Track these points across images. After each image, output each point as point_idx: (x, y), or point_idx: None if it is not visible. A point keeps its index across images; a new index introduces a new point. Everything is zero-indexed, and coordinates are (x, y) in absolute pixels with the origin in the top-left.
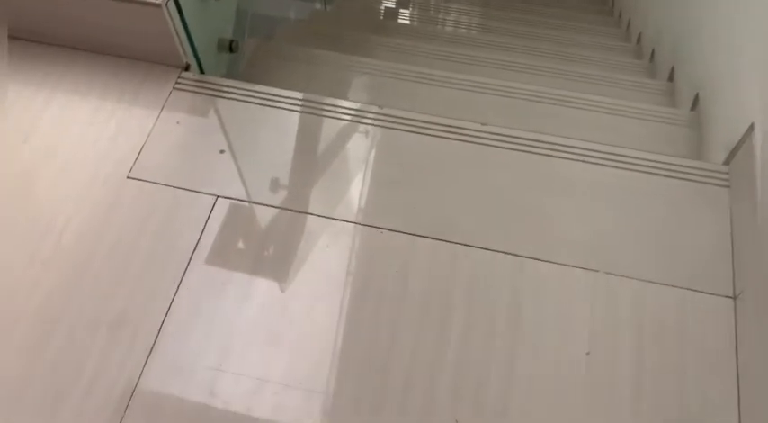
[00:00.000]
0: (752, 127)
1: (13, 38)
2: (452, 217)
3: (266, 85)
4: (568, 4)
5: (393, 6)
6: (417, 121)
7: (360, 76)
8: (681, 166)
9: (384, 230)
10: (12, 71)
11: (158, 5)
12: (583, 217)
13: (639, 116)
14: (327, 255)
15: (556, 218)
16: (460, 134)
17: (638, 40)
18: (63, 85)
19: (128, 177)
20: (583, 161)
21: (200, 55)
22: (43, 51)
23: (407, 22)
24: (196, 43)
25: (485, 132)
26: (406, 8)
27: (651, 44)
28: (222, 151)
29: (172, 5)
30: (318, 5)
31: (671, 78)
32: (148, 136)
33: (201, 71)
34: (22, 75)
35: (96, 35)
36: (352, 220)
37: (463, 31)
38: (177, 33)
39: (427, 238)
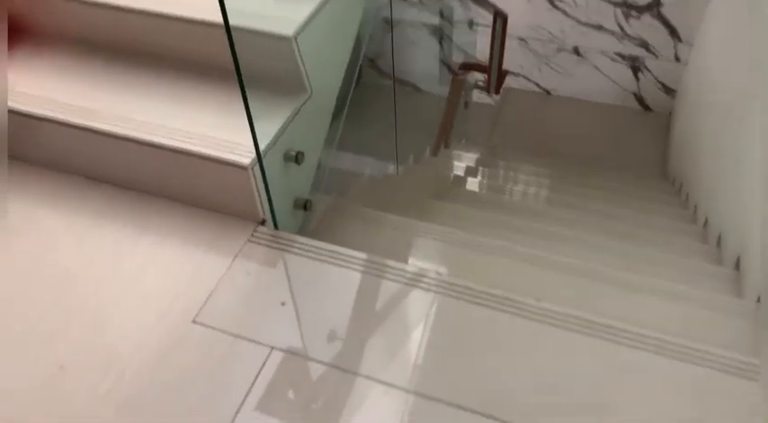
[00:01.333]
0: None
1: (107, 182)
2: (504, 396)
3: (333, 242)
4: (635, 182)
5: (462, 174)
6: (474, 290)
7: (422, 239)
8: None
9: (432, 400)
10: (104, 213)
11: (245, 168)
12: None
13: (706, 305)
14: (374, 416)
15: (620, 415)
16: (516, 308)
17: (705, 223)
18: (151, 228)
19: (193, 321)
20: (652, 351)
21: (276, 213)
22: (135, 197)
23: (475, 189)
24: (274, 202)
25: (540, 308)
26: (475, 176)
27: (717, 229)
28: (283, 303)
29: (257, 168)
30: (391, 168)
31: (737, 267)
32: (218, 284)
33: (276, 227)
34: (115, 217)
35: (183, 187)
36: (402, 386)
37: (528, 202)
38: (258, 193)
39: (476, 413)
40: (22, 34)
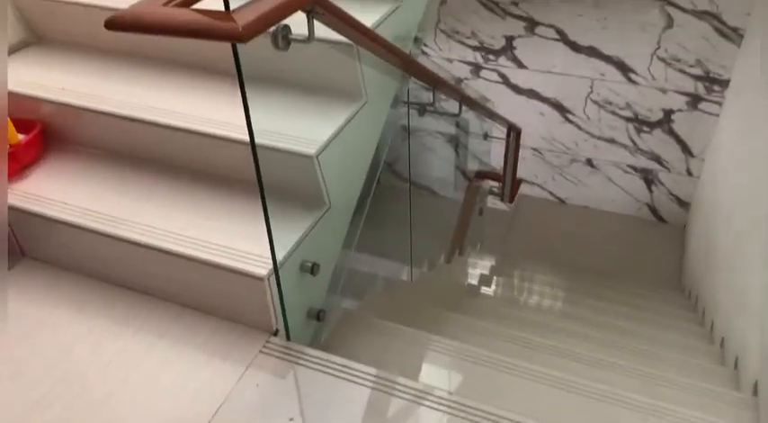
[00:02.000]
0: None
1: (127, 288)
2: None
3: (345, 355)
4: (650, 296)
5: (476, 283)
6: (485, 411)
7: (434, 354)
8: None
9: None
10: (123, 319)
11: (261, 279)
12: None
13: None
14: None
15: None
16: None
17: (722, 343)
18: (166, 336)
19: None
20: None
21: (289, 323)
22: (154, 303)
23: (489, 301)
24: (288, 313)
25: None
26: (488, 286)
27: (735, 351)
28: (291, 419)
29: (273, 279)
30: (406, 274)
31: (755, 392)
32: (228, 396)
33: (288, 337)
34: (133, 323)
35: (200, 295)
36: None
37: (542, 316)
38: (273, 304)
39: None
40: (52, 141)
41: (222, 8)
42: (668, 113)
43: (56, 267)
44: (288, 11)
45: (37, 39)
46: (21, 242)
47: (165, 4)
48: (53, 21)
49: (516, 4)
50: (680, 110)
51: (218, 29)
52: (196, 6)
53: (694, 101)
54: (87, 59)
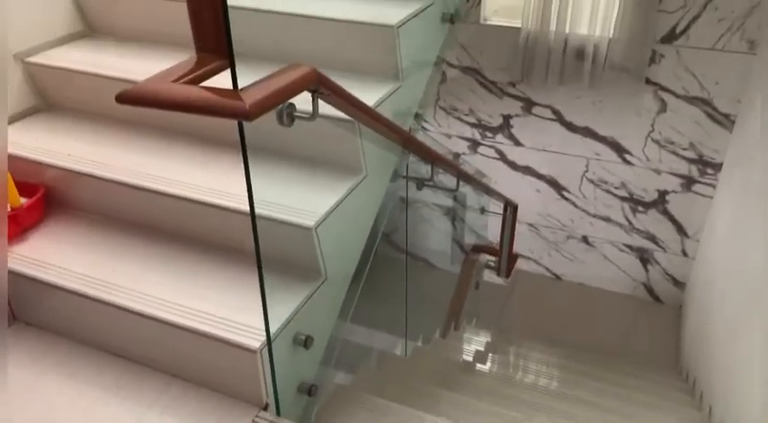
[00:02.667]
0: None
1: (119, 356)
2: None
3: None
4: (646, 376)
5: (471, 360)
6: None
7: None
8: None
9: None
10: (113, 387)
11: (254, 351)
12: None
13: None
14: None
15: None
16: None
17: (710, 413)
18: (155, 407)
19: None
20: None
21: (280, 398)
22: (145, 373)
23: (484, 379)
24: (279, 387)
25: None
26: (484, 363)
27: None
28: None
29: (265, 351)
30: (400, 348)
31: None
32: None
33: (278, 413)
34: (122, 392)
35: (191, 365)
36: None
37: (537, 396)
38: (264, 377)
39: None
40: (54, 205)
41: (229, 85)
42: (663, 194)
43: (47, 332)
44: (293, 91)
45: (47, 106)
46: (13, 305)
47: (176, 81)
48: (64, 89)
49: (514, 85)
50: (674, 191)
51: (227, 107)
52: (205, 83)
53: (688, 183)
54: (95, 127)
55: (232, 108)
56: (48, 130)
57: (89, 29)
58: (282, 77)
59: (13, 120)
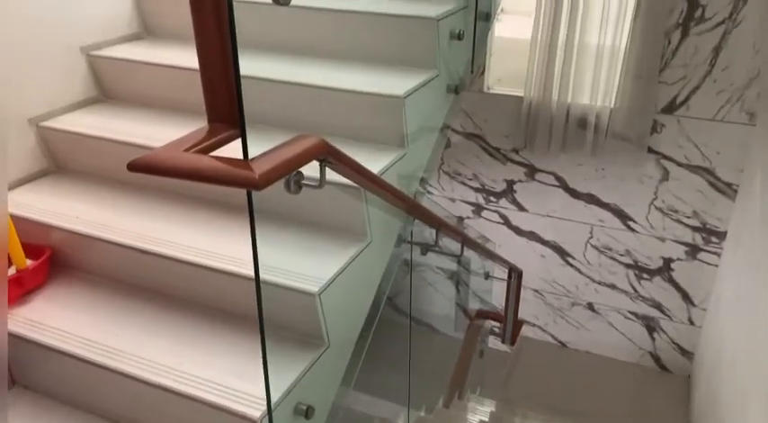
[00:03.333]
0: None
1: None
2: None
3: None
4: None
5: None
6: None
7: None
8: None
9: None
10: None
11: (253, 421)
12: None
13: None
14: None
15: None
16: None
17: None
18: None
19: None
20: None
21: None
22: None
23: None
24: None
25: None
26: None
27: None
28: None
29: (265, 421)
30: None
31: None
32: None
33: None
34: None
35: None
36: None
37: None
38: None
39: None
40: (59, 267)
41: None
42: (668, 262)
43: (46, 396)
44: (302, 161)
45: (58, 168)
46: (13, 369)
47: (187, 150)
48: (75, 152)
49: (517, 152)
50: (679, 259)
51: (237, 177)
52: (216, 153)
53: (693, 251)
54: (104, 190)
55: (242, 178)
56: (57, 193)
57: (103, 95)
58: (292, 148)
59: (23, 182)
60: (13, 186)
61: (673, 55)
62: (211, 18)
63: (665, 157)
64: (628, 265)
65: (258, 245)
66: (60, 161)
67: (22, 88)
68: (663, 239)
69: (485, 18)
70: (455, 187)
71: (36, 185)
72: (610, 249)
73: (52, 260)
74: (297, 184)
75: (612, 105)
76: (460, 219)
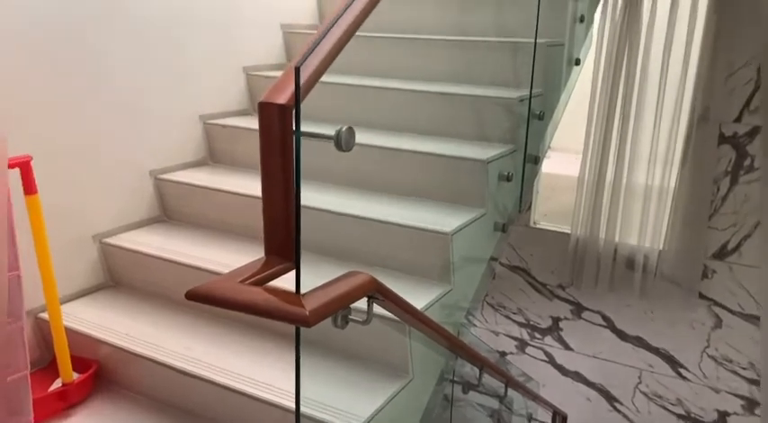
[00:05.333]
0: None
1: None
2: None
3: None
4: None
5: None
6: None
7: None
8: None
9: None
10: None
11: None
12: None
13: None
14: None
15: None
16: None
17: None
18: None
19: None
20: None
21: None
22: None
23: None
24: None
25: None
26: None
27: None
28: None
29: None
30: None
31: None
32: None
33: None
34: None
35: None
36: None
37: None
38: None
39: None
40: (103, 381)
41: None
42: (723, 415)
43: None
44: (352, 299)
45: (115, 283)
46: None
47: (243, 281)
48: (133, 269)
49: (563, 288)
50: (735, 413)
51: (288, 313)
52: (271, 284)
53: (750, 405)
54: (156, 307)
55: (293, 315)
56: (112, 307)
57: (166, 215)
58: (342, 284)
59: (81, 294)
60: (71, 298)
61: (722, 202)
62: (279, 160)
63: (717, 303)
64: (680, 416)
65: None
66: (118, 277)
67: (91, 206)
68: (717, 390)
69: (533, 161)
70: (499, 320)
71: (93, 299)
72: (660, 397)
73: (97, 374)
74: (344, 319)
75: (661, 247)
76: (503, 354)
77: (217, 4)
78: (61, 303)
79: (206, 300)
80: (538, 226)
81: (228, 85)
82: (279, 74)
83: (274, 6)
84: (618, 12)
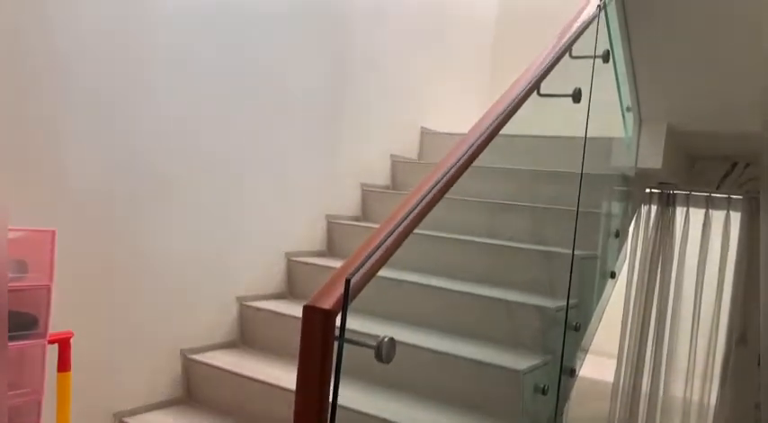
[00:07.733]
0: None
1: None
2: None
3: None
4: None
5: None
6: None
7: None
8: None
9: None
10: None
11: None
12: None
13: None
14: None
15: None
16: None
17: None
18: None
19: None
20: None
21: None
22: None
23: None
24: None
25: None
26: None
27: None
28: None
29: None
30: None
31: None
32: None
33: None
34: None
35: None
36: None
37: None
38: None
39: None
40: None
41: None
42: None
43: None
44: None
45: (188, 398)
46: None
47: None
48: (206, 385)
49: None
50: None
51: None
52: None
53: None
54: None
55: None
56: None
57: (189, 396)
58: None
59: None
60: None
61: None
62: (317, 372)
63: None
64: None
65: None
66: (192, 390)
67: (114, 384)
68: None
69: (569, 373)
70: None
71: (164, 412)
72: None
73: None
74: None
75: None
76: None
77: (270, 193)
78: None
79: None
80: None
81: (270, 267)
82: (317, 260)
83: (324, 202)
84: (650, 228)
